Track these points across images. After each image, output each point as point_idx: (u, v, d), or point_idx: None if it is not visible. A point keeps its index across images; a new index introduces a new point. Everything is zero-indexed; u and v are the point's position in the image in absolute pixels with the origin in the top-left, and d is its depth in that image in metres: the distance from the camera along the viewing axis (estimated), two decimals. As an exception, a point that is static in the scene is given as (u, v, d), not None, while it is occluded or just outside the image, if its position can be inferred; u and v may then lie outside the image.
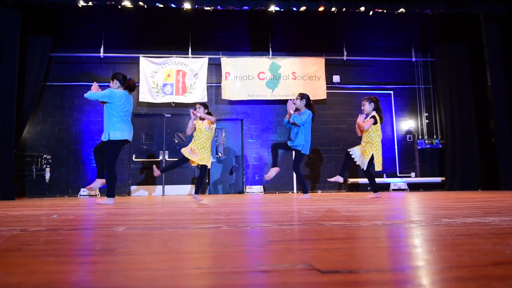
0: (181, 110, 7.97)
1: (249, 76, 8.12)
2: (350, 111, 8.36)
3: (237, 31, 8.49)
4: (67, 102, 7.79)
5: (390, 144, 8.31)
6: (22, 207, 3.67)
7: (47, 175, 7.38)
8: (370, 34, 8.71)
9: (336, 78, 8.44)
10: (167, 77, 7.92)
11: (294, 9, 6.95)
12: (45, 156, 7.46)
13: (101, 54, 7.88)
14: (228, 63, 8.11)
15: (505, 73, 7.53)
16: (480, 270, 0.84)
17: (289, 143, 4.96)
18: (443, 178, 8.02)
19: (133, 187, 7.77)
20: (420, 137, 8.51)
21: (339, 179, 4.92)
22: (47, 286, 0.76)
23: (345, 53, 8.44)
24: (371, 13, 7.43)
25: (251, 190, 7.81)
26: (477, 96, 8.04)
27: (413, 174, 8.33)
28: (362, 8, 6.99)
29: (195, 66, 7.99)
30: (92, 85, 4.30)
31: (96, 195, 7.30)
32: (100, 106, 5.89)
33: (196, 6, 6.75)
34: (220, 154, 8.23)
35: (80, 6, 6.72)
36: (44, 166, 7.38)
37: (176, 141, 8.05)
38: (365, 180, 7.86)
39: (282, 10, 7.13)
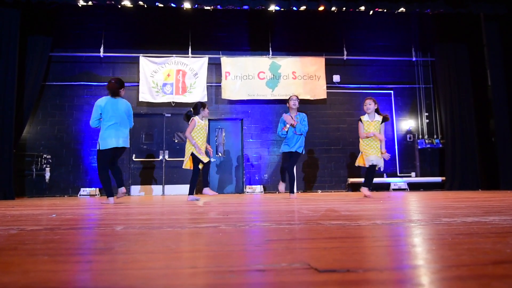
0: (181, 110, 7.95)
1: (249, 75, 8.11)
2: (350, 111, 8.35)
3: (237, 30, 8.48)
4: (67, 102, 7.79)
5: (390, 144, 8.29)
6: (21, 207, 3.66)
7: (47, 175, 7.37)
8: (370, 33, 8.69)
9: (336, 78, 8.42)
10: (167, 76, 7.91)
11: (294, 8, 6.94)
12: (45, 155, 7.46)
13: (101, 54, 7.87)
14: (228, 62, 8.10)
15: (505, 73, 7.53)
16: (479, 269, 0.83)
17: (293, 149, 4.98)
18: (443, 178, 8.01)
19: (133, 187, 7.76)
20: (420, 136, 8.50)
21: (366, 192, 4.89)
22: (40, 285, 0.75)
23: (345, 52, 8.43)
24: (371, 12, 7.42)
25: (251, 189, 7.80)
26: (477, 96, 8.03)
27: (413, 174, 8.31)
28: (362, 8, 6.99)
29: (195, 65, 7.98)
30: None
31: (95, 195, 7.32)
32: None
33: (196, 6, 6.75)
34: (220, 154, 8.22)
35: (80, 6, 6.72)
36: (44, 166, 7.38)
37: (176, 141, 8.04)
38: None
39: (282, 9, 7.13)
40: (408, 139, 8.46)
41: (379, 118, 4.89)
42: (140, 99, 7.73)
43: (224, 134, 8.32)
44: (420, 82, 8.65)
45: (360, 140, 4.97)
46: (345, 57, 8.43)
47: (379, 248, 1.15)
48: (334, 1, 6.87)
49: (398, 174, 8.26)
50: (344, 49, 8.43)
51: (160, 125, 8.08)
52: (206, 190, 4.87)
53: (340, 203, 3.64)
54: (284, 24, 8.50)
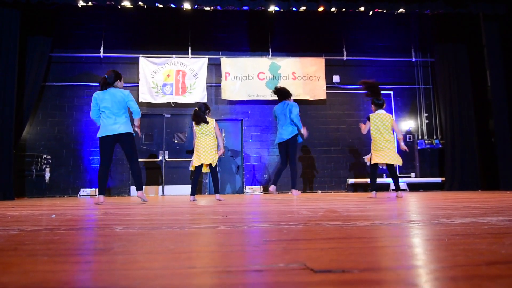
0: (181, 110, 7.98)
1: (249, 76, 8.12)
2: (350, 111, 8.36)
3: (236, 31, 8.49)
4: (66, 102, 7.80)
5: (390, 144, 8.28)
6: (21, 207, 3.67)
7: (47, 175, 7.38)
8: (369, 34, 8.70)
9: (336, 78, 8.43)
10: (167, 77, 7.92)
11: (294, 9, 6.95)
12: (45, 156, 7.47)
13: (101, 54, 7.89)
14: (228, 63, 8.11)
15: (505, 73, 7.53)
16: (473, 270, 0.84)
17: (285, 137, 5.03)
18: (443, 178, 8.01)
19: (132, 187, 7.77)
20: (420, 137, 8.51)
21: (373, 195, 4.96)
22: (39, 285, 0.76)
23: (344, 53, 8.43)
24: (370, 13, 7.43)
25: (251, 190, 7.81)
26: (477, 96, 8.03)
27: (413, 174, 8.32)
28: (362, 8, 6.99)
29: (195, 66, 7.99)
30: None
31: (95, 195, 7.31)
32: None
33: (196, 6, 6.76)
34: (219, 154, 8.23)
35: (80, 6, 6.73)
36: (44, 166, 7.39)
37: (176, 141, 8.05)
38: (365, 180, 7.87)
39: (282, 10, 7.13)
40: (407, 140, 8.46)
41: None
42: (140, 100, 7.73)
43: (224, 135, 8.33)
44: (419, 82, 8.66)
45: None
46: (344, 58, 8.44)
47: (376, 249, 1.16)
48: (334, 1, 6.88)
49: (398, 175, 8.24)
50: (344, 49, 8.44)
51: (160, 126, 8.09)
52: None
53: (340, 203, 3.65)
54: (284, 25, 8.51)
